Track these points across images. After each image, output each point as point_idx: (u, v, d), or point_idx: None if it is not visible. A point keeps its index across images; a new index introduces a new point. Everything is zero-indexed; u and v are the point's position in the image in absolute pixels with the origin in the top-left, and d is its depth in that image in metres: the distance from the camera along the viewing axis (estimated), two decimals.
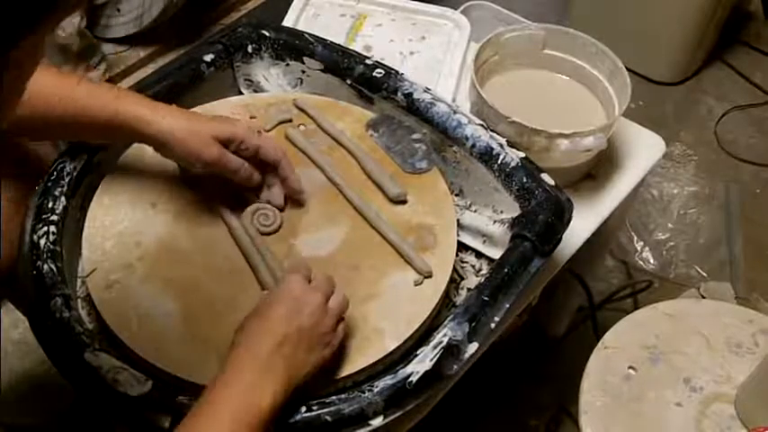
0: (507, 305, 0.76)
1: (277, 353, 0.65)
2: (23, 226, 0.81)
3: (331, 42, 0.99)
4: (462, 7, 1.30)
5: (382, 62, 0.97)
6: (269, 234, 0.83)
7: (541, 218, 0.81)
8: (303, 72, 1.01)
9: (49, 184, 0.84)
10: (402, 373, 0.70)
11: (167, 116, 0.78)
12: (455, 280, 0.87)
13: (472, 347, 0.73)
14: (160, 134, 0.78)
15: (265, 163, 0.84)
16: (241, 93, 1.03)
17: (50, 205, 0.82)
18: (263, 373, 0.64)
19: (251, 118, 0.95)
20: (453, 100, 1.06)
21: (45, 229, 0.80)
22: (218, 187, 0.85)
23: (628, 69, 0.99)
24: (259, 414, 0.62)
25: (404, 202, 0.87)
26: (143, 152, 0.87)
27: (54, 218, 0.82)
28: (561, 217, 0.83)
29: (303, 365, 0.67)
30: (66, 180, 0.85)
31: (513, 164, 0.87)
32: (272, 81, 1.02)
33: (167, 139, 0.78)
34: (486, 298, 0.75)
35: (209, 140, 0.79)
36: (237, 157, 0.81)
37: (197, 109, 0.95)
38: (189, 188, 0.87)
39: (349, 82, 0.97)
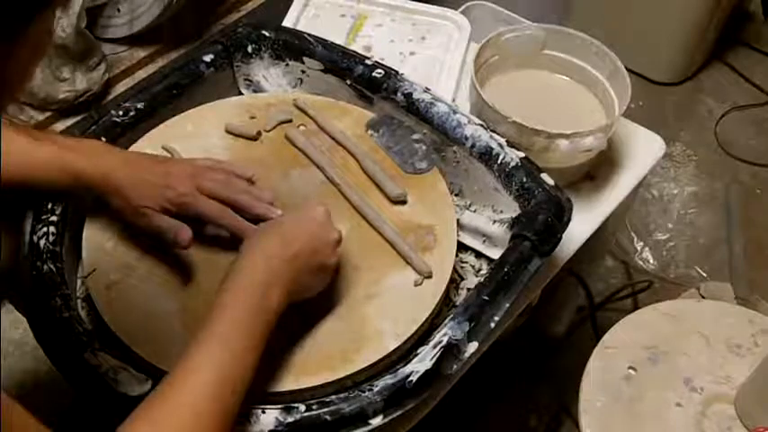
0: (507, 305, 0.76)
1: (289, 267, 0.70)
2: (23, 226, 0.81)
3: (331, 42, 0.99)
4: (462, 7, 1.30)
5: (382, 62, 0.97)
6: None
7: (541, 218, 0.81)
8: (303, 72, 1.01)
9: None
10: (402, 372, 0.70)
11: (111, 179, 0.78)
12: (455, 280, 0.87)
13: (472, 347, 0.73)
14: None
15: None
16: (241, 93, 1.03)
17: (50, 205, 0.82)
18: (274, 281, 0.68)
19: (251, 118, 0.95)
20: (453, 100, 1.06)
21: (45, 229, 0.80)
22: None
23: (628, 69, 0.99)
24: (271, 314, 0.67)
25: (404, 202, 0.87)
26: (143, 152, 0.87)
27: (54, 218, 0.82)
28: (561, 217, 0.83)
29: (307, 283, 0.73)
30: None
31: (512, 164, 0.87)
32: (272, 81, 1.02)
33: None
34: (485, 298, 0.75)
35: (142, 210, 0.78)
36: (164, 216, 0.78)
37: (197, 109, 0.95)
38: None
39: (349, 82, 0.97)
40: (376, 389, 0.69)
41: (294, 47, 1.00)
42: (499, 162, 0.87)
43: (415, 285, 0.80)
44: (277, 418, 0.67)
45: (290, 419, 0.68)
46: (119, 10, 1.65)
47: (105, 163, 0.78)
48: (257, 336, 0.65)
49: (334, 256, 0.75)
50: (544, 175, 0.86)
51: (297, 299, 0.72)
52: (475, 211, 0.92)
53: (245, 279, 0.68)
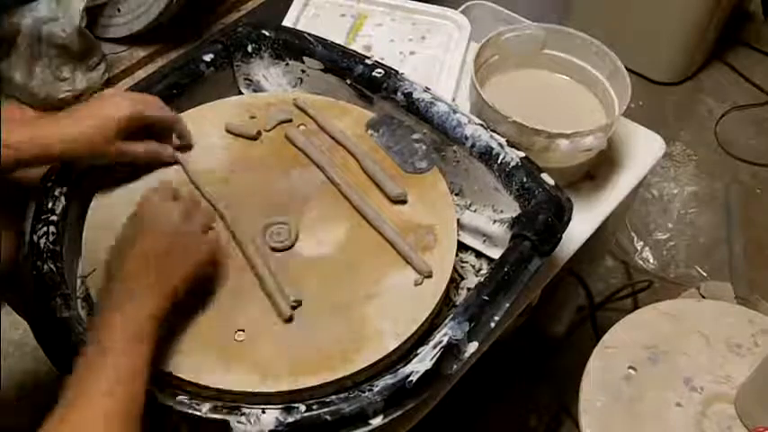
0: (507, 305, 0.76)
1: (146, 273, 0.68)
2: (23, 226, 0.81)
3: (331, 42, 0.99)
4: (462, 7, 1.30)
5: (382, 62, 0.97)
6: (281, 250, 0.83)
7: (541, 218, 0.81)
8: (303, 72, 1.01)
9: (49, 184, 0.84)
10: (402, 372, 0.70)
11: (59, 134, 0.78)
12: (455, 280, 0.87)
13: (472, 347, 0.73)
14: (64, 156, 0.80)
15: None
16: (241, 92, 1.03)
17: (50, 205, 0.82)
18: (135, 297, 0.66)
19: (251, 118, 0.95)
20: (453, 100, 1.06)
21: (45, 229, 0.80)
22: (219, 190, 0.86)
23: (628, 69, 0.99)
24: (145, 325, 0.65)
25: (404, 201, 0.87)
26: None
27: (54, 218, 0.82)
28: (561, 217, 0.83)
29: (174, 276, 0.70)
30: (67, 180, 0.85)
31: (513, 164, 0.87)
32: (272, 81, 1.02)
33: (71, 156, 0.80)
34: (486, 298, 0.75)
35: (107, 143, 0.80)
36: (136, 142, 0.83)
37: (197, 109, 0.95)
38: (189, 187, 0.87)
39: (349, 82, 0.97)
40: (376, 389, 0.69)
41: (294, 46, 1.00)
42: (499, 162, 0.87)
43: (415, 285, 0.80)
44: (277, 418, 0.67)
45: (290, 419, 0.68)
46: (119, 10, 1.65)
47: (45, 128, 0.79)
48: (136, 350, 0.64)
49: (188, 226, 0.73)
50: (544, 175, 0.86)
51: (180, 288, 0.70)
52: (475, 211, 0.92)
53: (107, 303, 0.67)
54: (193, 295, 0.77)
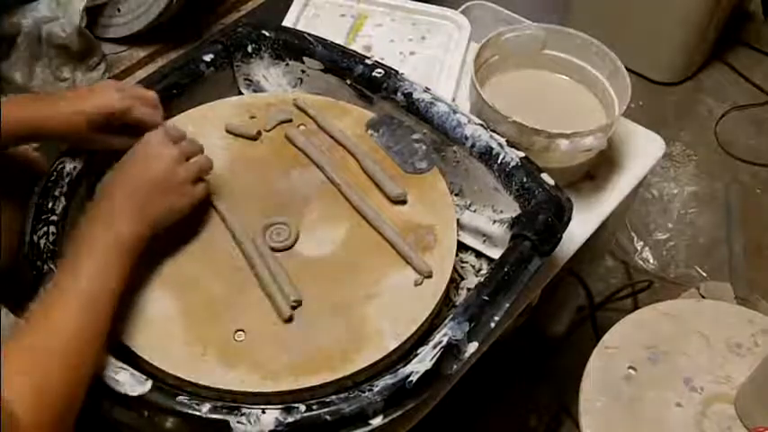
0: (507, 305, 0.76)
1: (130, 197, 0.74)
2: (23, 226, 0.81)
3: (331, 42, 0.99)
4: (462, 7, 1.30)
5: (382, 62, 0.97)
6: (281, 250, 0.83)
7: (541, 218, 0.81)
8: (303, 72, 1.01)
9: (49, 184, 0.84)
10: (402, 372, 0.70)
11: (44, 114, 0.81)
12: (455, 280, 0.87)
13: (472, 347, 0.73)
14: (46, 133, 0.82)
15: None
16: (241, 93, 1.03)
17: (50, 205, 0.82)
18: (116, 213, 0.73)
19: (251, 118, 0.95)
20: (453, 100, 1.06)
21: (45, 229, 0.80)
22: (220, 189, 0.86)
23: (628, 69, 0.99)
24: (118, 244, 0.71)
25: (404, 202, 0.87)
26: None
27: (54, 218, 0.82)
28: (561, 217, 0.83)
29: (158, 207, 0.75)
30: (66, 180, 0.85)
31: (512, 164, 0.87)
32: (272, 81, 1.02)
33: (52, 135, 0.83)
34: (486, 298, 0.75)
35: (88, 131, 0.82)
36: (120, 136, 0.85)
37: (197, 109, 0.95)
38: None
39: (349, 82, 0.97)
40: (376, 389, 0.69)
41: (294, 47, 1.00)
42: (499, 162, 0.87)
43: (415, 285, 0.80)
44: (277, 418, 0.67)
45: (290, 419, 0.68)
46: (119, 10, 1.65)
47: (38, 107, 0.82)
48: (110, 267, 0.69)
49: (180, 171, 0.77)
50: (544, 175, 0.86)
51: (160, 221, 0.76)
52: (475, 211, 0.92)
53: (91, 219, 0.73)
54: (192, 292, 0.77)
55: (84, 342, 0.66)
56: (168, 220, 0.77)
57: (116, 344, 0.74)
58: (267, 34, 1.00)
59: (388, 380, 0.70)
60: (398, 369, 0.71)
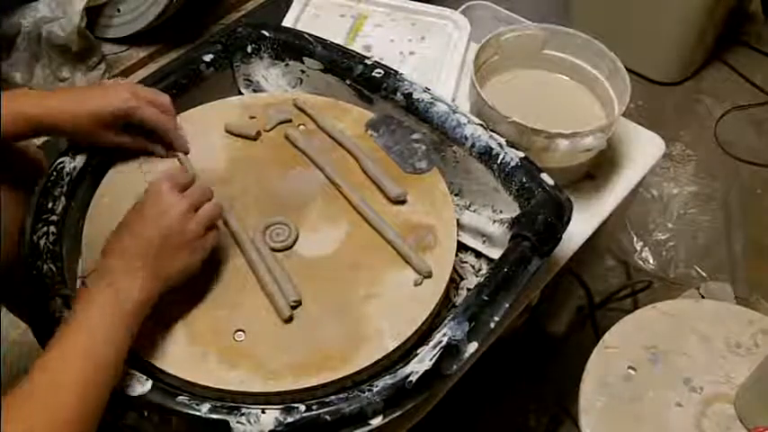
0: (507, 305, 0.76)
1: (138, 257, 0.69)
2: (23, 226, 0.81)
3: (331, 42, 0.99)
4: (462, 7, 1.30)
5: (382, 62, 0.97)
6: (281, 250, 0.83)
7: (541, 218, 0.81)
8: (303, 72, 1.01)
9: (49, 184, 0.84)
10: (402, 372, 0.70)
11: (54, 109, 0.81)
12: (455, 280, 0.87)
13: (472, 347, 0.73)
14: (55, 128, 0.82)
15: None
16: (241, 93, 1.03)
17: (50, 205, 0.83)
18: (127, 274, 0.68)
19: (251, 118, 0.95)
20: (453, 100, 1.06)
21: (45, 229, 0.80)
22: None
23: (628, 69, 0.99)
24: (123, 311, 0.67)
25: (404, 202, 0.87)
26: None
27: (54, 218, 0.82)
28: (561, 217, 0.83)
29: (167, 268, 0.71)
30: (66, 180, 0.85)
31: (512, 164, 0.87)
32: (272, 81, 1.02)
33: (60, 131, 0.83)
34: (485, 298, 0.75)
35: (96, 128, 0.82)
36: (129, 135, 0.86)
37: (197, 109, 0.95)
38: None
39: (349, 82, 0.97)
40: (376, 389, 0.69)
41: (294, 47, 1.00)
42: (499, 162, 0.87)
43: (415, 285, 0.80)
44: (277, 418, 0.67)
45: (290, 419, 0.68)
46: (119, 10, 1.65)
47: (45, 101, 0.81)
48: (117, 327, 0.66)
49: (191, 225, 0.73)
50: (544, 175, 0.86)
51: (172, 280, 0.72)
52: (475, 211, 0.92)
53: (98, 279, 0.69)
54: (192, 293, 0.77)
55: (88, 399, 0.63)
56: (179, 279, 0.73)
57: None
58: (267, 34, 1.00)
59: (387, 380, 0.70)
60: (398, 369, 0.71)
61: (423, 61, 1.13)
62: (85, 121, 0.82)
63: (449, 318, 0.74)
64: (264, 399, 0.71)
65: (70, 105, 0.81)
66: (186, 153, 0.90)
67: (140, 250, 0.70)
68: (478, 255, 0.90)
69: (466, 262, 0.90)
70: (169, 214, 0.72)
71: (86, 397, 0.62)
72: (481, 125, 0.90)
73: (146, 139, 0.88)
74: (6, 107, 0.78)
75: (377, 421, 0.69)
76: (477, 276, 0.89)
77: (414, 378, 0.70)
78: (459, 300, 0.85)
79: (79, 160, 0.86)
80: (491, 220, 0.88)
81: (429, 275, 0.80)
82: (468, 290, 0.85)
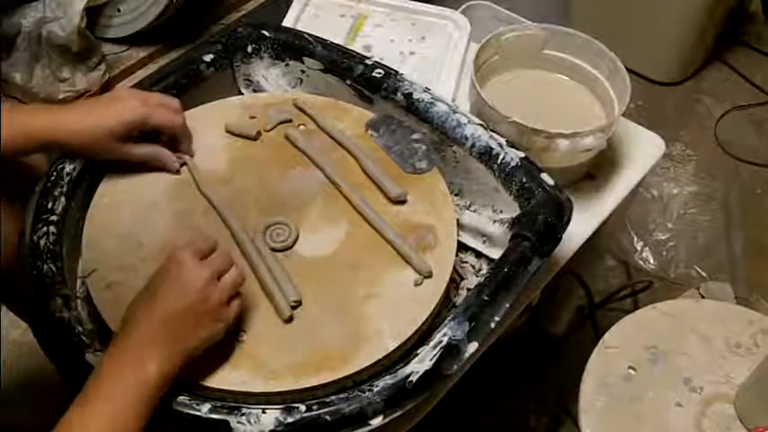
0: (507, 305, 0.76)
1: (162, 329, 0.67)
2: (23, 226, 0.81)
3: (331, 42, 0.99)
4: (462, 7, 1.30)
5: (382, 62, 0.97)
6: (281, 250, 0.83)
7: (541, 218, 0.81)
8: (303, 72, 1.01)
9: (49, 184, 0.84)
10: (402, 372, 0.70)
11: (64, 125, 0.80)
12: (455, 280, 0.87)
13: (472, 347, 0.73)
14: (64, 145, 0.82)
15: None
16: (241, 93, 1.03)
17: (50, 205, 0.82)
18: (147, 348, 0.66)
19: (251, 118, 0.95)
20: (453, 100, 1.06)
21: (45, 229, 0.80)
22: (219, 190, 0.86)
23: (628, 69, 0.99)
24: (146, 385, 0.65)
25: (404, 202, 0.87)
26: None
27: (54, 218, 0.82)
28: (561, 217, 0.83)
29: (191, 339, 0.69)
30: (66, 180, 0.85)
31: (512, 164, 0.87)
32: (272, 81, 1.02)
33: (72, 147, 0.82)
34: (486, 298, 0.75)
35: (110, 142, 0.81)
36: (142, 144, 0.85)
37: (197, 109, 0.95)
38: (190, 187, 0.87)
39: (349, 82, 0.97)
40: (376, 389, 0.69)
41: (294, 47, 1.00)
42: (499, 162, 0.87)
43: (415, 285, 0.80)
44: (277, 418, 0.68)
45: (290, 419, 0.68)
46: (119, 10, 1.65)
47: (50, 116, 0.81)
48: (140, 401, 0.64)
49: (215, 294, 0.70)
50: (544, 175, 0.86)
51: (195, 351, 0.69)
52: (475, 211, 0.92)
53: (117, 353, 0.67)
54: None
55: None
56: (201, 349, 0.70)
57: None
58: (267, 34, 1.00)
59: (387, 380, 0.70)
60: (398, 369, 0.71)
61: (423, 61, 1.13)
62: (98, 138, 0.81)
63: (449, 318, 0.74)
64: (265, 399, 0.71)
65: (79, 122, 0.80)
66: (192, 156, 0.90)
67: (160, 323, 0.67)
68: (479, 255, 0.90)
69: (466, 262, 0.90)
70: (193, 285, 0.69)
71: None
72: (481, 125, 0.90)
73: (160, 150, 0.87)
74: (12, 125, 0.77)
75: (377, 421, 0.69)
76: (477, 276, 0.89)
77: (414, 378, 0.70)
78: (459, 300, 0.85)
79: (79, 161, 0.86)
80: (491, 220, 0.88)
81: (429, 275, 0.80)
82: (469, 290, 0.85)
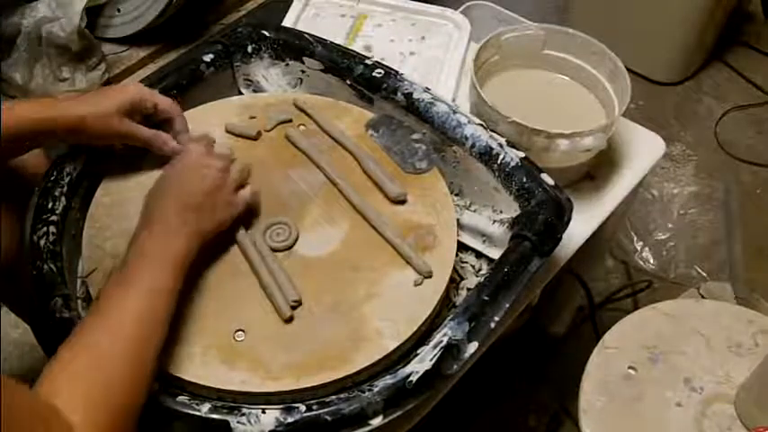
0: (507, 305, 0.76)
1: (184, 212, 0.74)
2: (23, 226, 0.81)
3: (331, 42, 0.99)
4: (462, 7, 1.30)
5: (382, 62, 0.97)
6: (281, 250, 0.83)
7: (541, 218, 0.81)
8: (303, 72, 1.01)
9: (49, 184, 0.84)
10: (402, 372, 0.70)
11: (70, 107, 0.81)
12: (455, 280, 0.87)
13: (472, 347, 0.73)
14: (71, 124, 0.81)
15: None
16: (241, 93, 1.03)
17: (50, 205, 0.83)
18: (176, 229, 0.73)
19: (251, 118, 0.95)
20: (453, 100, 1.06)
21: (45, 229, 0.80)
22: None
23: (628, 69, 0.99)
24: (177, 261, 0.71)
25: (404, 202, 0.87)
26: (144, 150, 0.87)
27: (54, 218, 0.82)
28: (561, 217, 0.83)
29: (208, 223, 0.76)
30: (66, 180, 0.85)
31: (512, 164, 0.87)
32: (272, 81, 1.02)
33: (77, 127, 0.81)
34: (486, 298, 0.75)
35: (115, 118, 0.82)
36: (145, 126, 0.86)
37: (197, 109, 0.95)
38: None
39: (349, 82, 0.97)
40: (376, 389, 0.69)
41: (294, 47, 1.00)
42: (499, 162, 0.87)
43: (415, 285, 0.80)
44: (277, 418, 0.68)
45: (290, 419, 0.68)
46: (119, 10, 1.66)
47: (55, 101, 0.82)
48: (167, 280, 0.70)
49: (229, 180, 0.79)
50: (544, 175, 0.86)
51: (206, 237, 0.76)
52: (475, 211, 0.92)
53: (144, 233, 0.72)
54: (192, 293, 0.77)
55: (144, 344, 0.66)
56: (214, 233, 0.78)
57: None
58: (267, 34, 1.00)
59: (387, 380, 0.70)
60: (398, 369, 0.71)
61: (423, 61, 1.13)
62: (104, 112, 0.81)
63: (449, 318, 0.74)
64: (264, 399, 0.71)
65: (85, 101, 0.82)
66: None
67: (182, 204, 0.74)
68: (479, 255, 0.90)
69: (466, 262, 0.90)
70: (211, 172, 0.78)
71: (139, 353, 0.65)
72: (481, 125, 0.90)
73: (163, 133, 0.88)
74: (18, 109, 0.78)
75: (377, 421, 0.69)
76: (477, 276, 0.89)
77: (414, 378, 0.70)
78: (459, 300, 0.85)
79: (79, 161, 0.86)
80: (491, 220, 0.88)
81: (429, 275, 0.80)
82: (469, 290, 0.85)
